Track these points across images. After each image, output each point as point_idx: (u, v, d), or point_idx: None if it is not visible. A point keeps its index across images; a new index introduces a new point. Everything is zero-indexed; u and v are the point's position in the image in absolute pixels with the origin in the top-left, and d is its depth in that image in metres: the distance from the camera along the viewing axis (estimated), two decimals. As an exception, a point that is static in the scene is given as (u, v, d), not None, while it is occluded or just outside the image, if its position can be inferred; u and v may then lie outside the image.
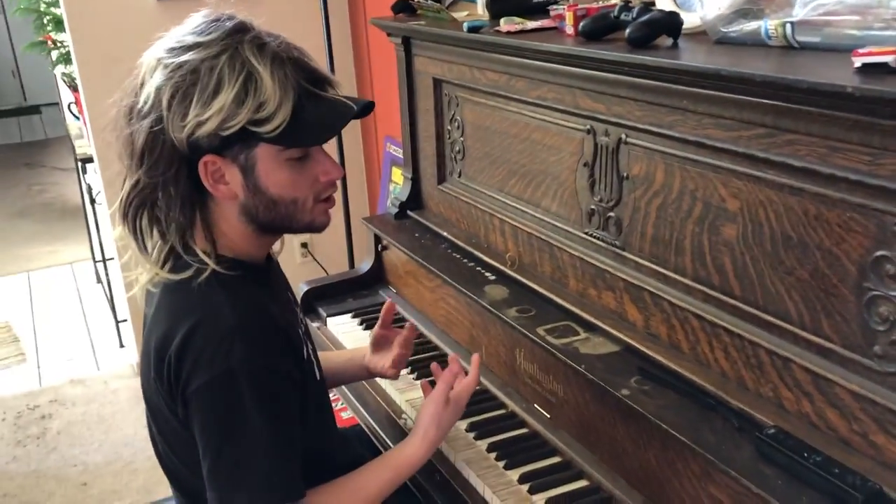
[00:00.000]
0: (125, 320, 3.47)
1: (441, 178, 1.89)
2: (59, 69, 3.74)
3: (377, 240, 1.99)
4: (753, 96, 1.02)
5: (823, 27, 1.08)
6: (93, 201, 3.40)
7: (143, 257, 1.14)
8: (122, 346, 3.59)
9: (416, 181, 1.98)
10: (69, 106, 3.93)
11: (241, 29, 1.09)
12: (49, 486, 2.69)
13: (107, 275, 3.61)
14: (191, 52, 1.06)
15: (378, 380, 1.64)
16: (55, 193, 6.01)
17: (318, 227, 1.19)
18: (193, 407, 1.06)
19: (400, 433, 1.51)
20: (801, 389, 1.06)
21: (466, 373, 1.31)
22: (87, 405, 3.16)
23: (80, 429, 3.01)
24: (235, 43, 1.06)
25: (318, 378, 1.26)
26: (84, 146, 3.53)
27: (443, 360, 1.58)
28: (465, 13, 1.80)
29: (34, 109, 8.36)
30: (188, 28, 1.11)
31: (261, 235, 1.17)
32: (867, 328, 0.97)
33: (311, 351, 1.25)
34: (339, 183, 1.22)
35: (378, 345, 1.47)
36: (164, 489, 2.72)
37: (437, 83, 1.82)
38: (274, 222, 1.15)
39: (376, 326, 1.48)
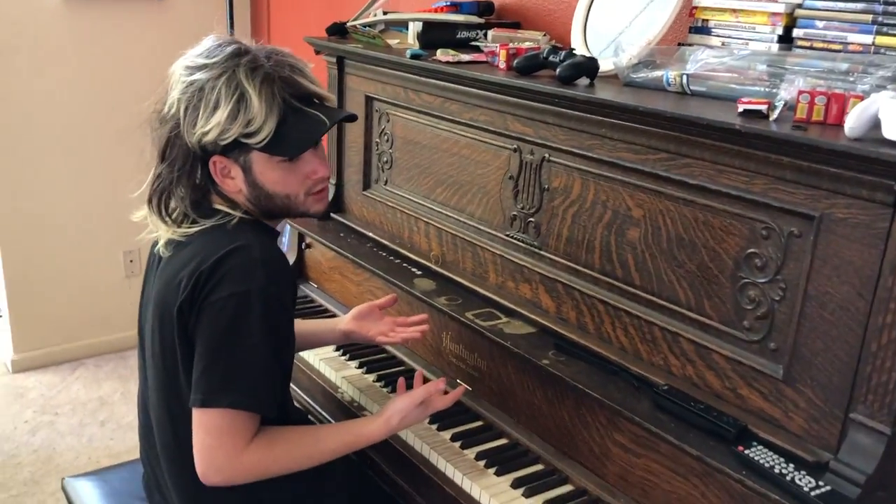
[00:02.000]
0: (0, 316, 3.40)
1: (366, 185, 2.10)
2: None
3: (300, 238, 2.18)
4: (661, 128, 1.32)
5: (709, 80, 1.42)
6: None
7: (166, 228, 1.34)
8: (-9, 343, 3.49)
9: (339, 186, 2.18)
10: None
11: (239, 53, 1.30)
12: (-75, 479, 2.62)
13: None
14: (200, 72, 1.28)
15: (312, 361, 1.84)
16: None
17: (313, 214, 1.42)
18: (205, 315, 1.25)
19: (338, 405, 1.71)
20: (686, 357, 1.36)
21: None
22: (-42, 401, 3.07)
23: (-49, 424, 2.93)
24: (233, 66, 1.27)
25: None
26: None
27: (366, 348, 1.81)
28: (397, 41, 2.03)
29: None
30: (199, 50, 1.32)
31: (265, 217, 1.39)
32: (739, 307, 1.29)
33: None
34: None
35: (363, 317, 1.67)
36: (53, 480, 2.77)
37: (369, 100, 2.04)
38: (273, 211, 1.38)
39: (373, 303, 1.69)
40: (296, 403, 1.80)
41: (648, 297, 1.42)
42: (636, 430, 1.32)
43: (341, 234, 2.10)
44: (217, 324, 1.25)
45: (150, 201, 1.35)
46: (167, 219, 1.34)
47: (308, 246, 2.17)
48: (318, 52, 2.17)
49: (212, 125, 1.26)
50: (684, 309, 1.37)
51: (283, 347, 1.34)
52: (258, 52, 1.31)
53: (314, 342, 1.72)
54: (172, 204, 1.34)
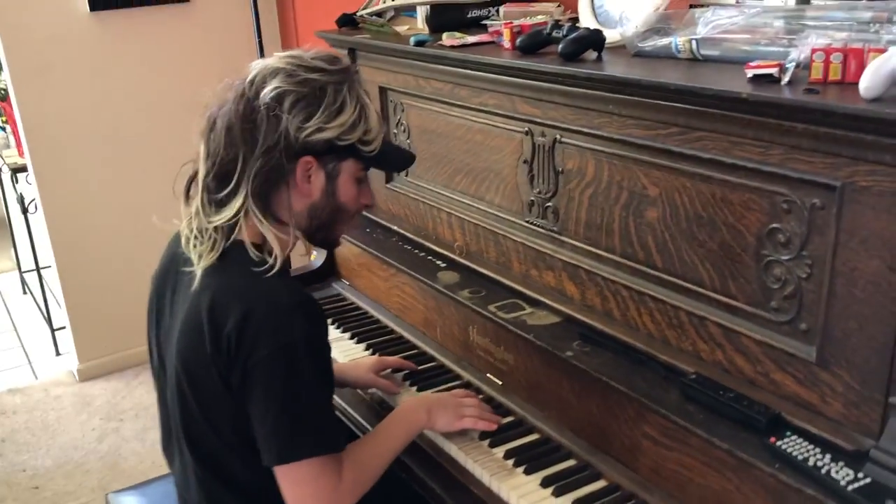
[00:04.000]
0: (63, 328, 3.50)
1: (389, 178, 2.06)
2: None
3: (329, 236, 2.15)
4: (669, 101, 1.24)
5: (722, 42, 1.32)
6: (25, 210, 3.41)
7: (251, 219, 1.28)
8: (58, 353, 3.61)
9: (363, 181, 2.14)
10: (-10, 116, 3.91)
11: (355, 70, 1.34)
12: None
13: (41, 284, 3.61)
14: (316, 73, 1.27)
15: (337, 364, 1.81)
16: (-34, 206, 5.87)
17: (337, 243, 1.47)
18: (255, 376, 1.21)
19: (367, 408, 1.68)
20: (715, 341, 1.28)
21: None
22: (30, 413, 3.19)
23: (24, 436, 3.04)
24: (352, 79, 1.31)
25: None
26: (13, 156, 3.54)
27: (398, 345, 1.78)
28: (406, 27, 1.97)
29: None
30: (311, 54, 1.31)
31: (301, 233, 1.36)
32: (765, 287, 1.20)
33: None
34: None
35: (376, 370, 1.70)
36: (119, 486, 2.82)
37: (383, 91, 1.99)
38: (323, 226, 1.36)
39: (404, 363, 1.74)
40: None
41: (672, 280, 1.34)
42: (664, 423, 1.25)
43: (368, 230, 2.06)
44: (272, 382, 1.22)
45: (252, 195, 1.26)
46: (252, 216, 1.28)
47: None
48: (332, 46, 2.13)
49: (334, 125, 1.26)
50: (709, 291, 1.29)
51: (332, 379, 1.34)
52: None
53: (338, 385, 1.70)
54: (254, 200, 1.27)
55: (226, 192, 1.28)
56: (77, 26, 3.06)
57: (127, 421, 3.10)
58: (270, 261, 1.26)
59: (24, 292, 4.30)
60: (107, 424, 3.08)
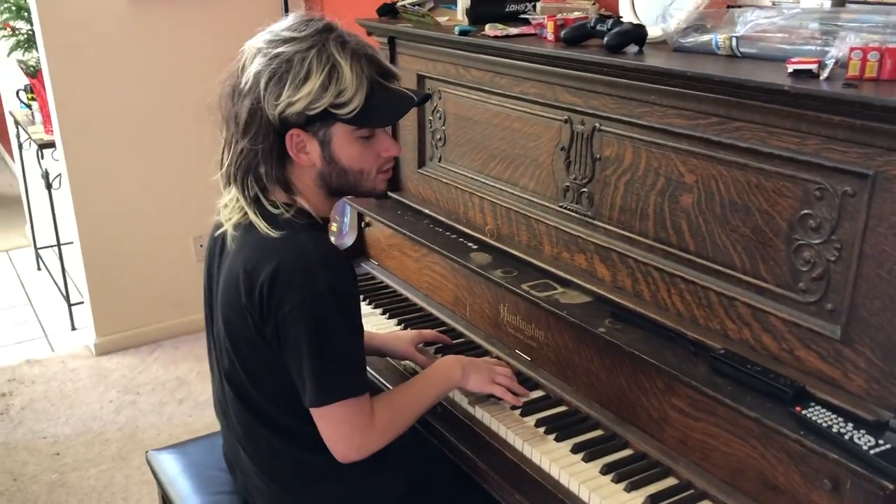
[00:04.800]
0: (80, 303, 3.57)
1: (421, 163, 2.14)
2: (15, 56, 3.78)
3: (360, 217, 2.23)
4: (710, 92, 1.32)
5: (759, 41, 1.40)
6: (49, 186, 3.47)
7: (247, 205, 1.36)
8: (74, 328, 3.67)
9: (395, 165, 2.22)
10: (17, 93, 3.96)
11: (328, 28, 1.34)
12: (21, 456, 2.79)
13: (61, 259, 3.67)
14: (286, 45, 1.30)
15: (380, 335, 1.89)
16: (-22, 183, 5.93)
17: (378, 194, 1.46)
18: (287, 326, 1.29)
19: (400, 377, 1.76)
20: (743, 321, 1.36)
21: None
22: (48, 383, 3.25)
23: (43, 405, 3.10)
24: (323, 40, 1.31)
25: None
26: (39, 132, 3.60)
27: (428, 322, 1.88)
28: (446, 18, 2.05)
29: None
30: (284, 25, 1.34)
31: (329, 197, 1.43)
32: (794, 269, 1.28)
33: None
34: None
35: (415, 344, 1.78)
36: (138, 455, 2.89)
37: (421, 78, 2.07)
38: (343, 187, 1.41)
39: (440, 336, 1.82)
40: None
41: (703, 263, 1.42)
42: (693, 395, 1.33)
43: (398, 212, 2.14)
44: (302, 331, 1.29)
45: (234, 178, 1.36)
46: (248, 197, 1.36)
47: (367, 225, 2.22)
48: (370, 34, 2.20)
49: (301, 95, 1.28)
50: (740, 273, 1.37)
51: (361, 327, 1.40)
52: (343, 30, 1.35)
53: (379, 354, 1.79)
54: (250, 181, 1.35)
55: (222, 172, 1.39)
56: (113, 8, 3.13)
57: (144, 395, 3.16)
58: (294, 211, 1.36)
59: (39, 268, 4.36)
60: (124, 397, 3.15)
